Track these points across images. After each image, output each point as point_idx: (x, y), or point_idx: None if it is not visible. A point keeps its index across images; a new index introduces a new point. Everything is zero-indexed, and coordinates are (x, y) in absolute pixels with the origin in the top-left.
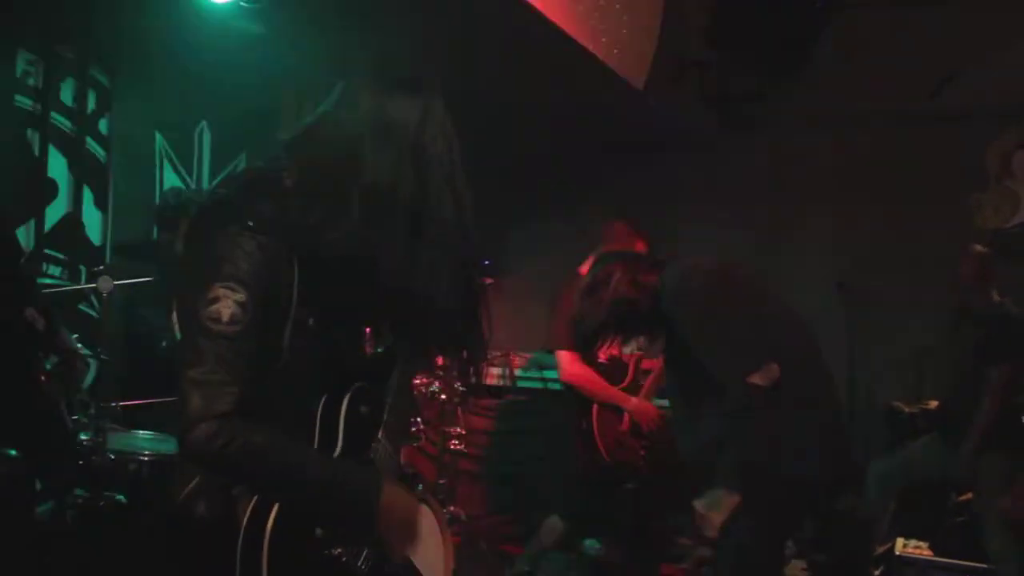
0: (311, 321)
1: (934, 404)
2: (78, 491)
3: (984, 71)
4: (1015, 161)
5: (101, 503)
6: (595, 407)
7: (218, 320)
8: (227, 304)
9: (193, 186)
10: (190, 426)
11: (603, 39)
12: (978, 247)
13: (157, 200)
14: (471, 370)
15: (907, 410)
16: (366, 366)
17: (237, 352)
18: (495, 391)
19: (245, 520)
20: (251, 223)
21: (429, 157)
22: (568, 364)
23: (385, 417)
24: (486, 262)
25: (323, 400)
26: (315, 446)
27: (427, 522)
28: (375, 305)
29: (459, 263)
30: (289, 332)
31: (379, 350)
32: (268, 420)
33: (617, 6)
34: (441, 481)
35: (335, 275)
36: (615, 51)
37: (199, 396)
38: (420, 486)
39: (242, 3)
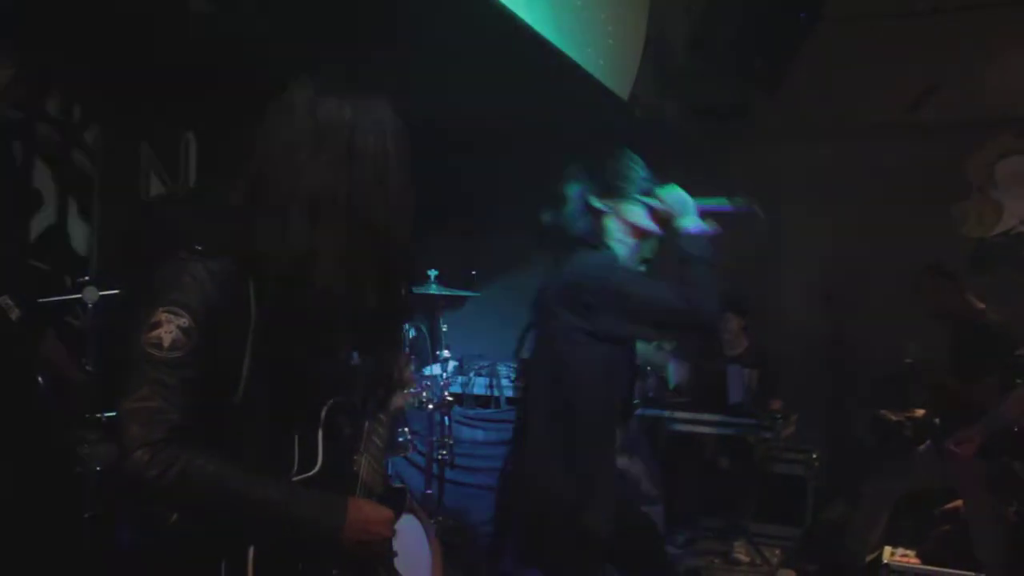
0: (273, 341)
1: (920, 413)
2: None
3: (965, 82)
4: (998, 171)
5: (86, 515)
6: None
7: (159, 346)
8: (169, 329)
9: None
10: (126, 454)
11: (588, 49)
12: (931, 269)
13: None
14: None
15: (893, 419)
16: (340, 378)
17: (179, 378)
18: (483, 401)
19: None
20: (199, 247)
21: (361, 157)
22: None
23: (367, 428)
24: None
25: (299, 417)
26: (295, 465)
27: (414, 533)
28: (329, 317)
29: (386, 268)
30: (249, 354)
31: (353, 360)
32: (237, 442)
33: (602, 16)
34: (428, 491)
35: (290, 291)
36: (600, 62)
37: (136, 423)
38: (408, 496)
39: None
